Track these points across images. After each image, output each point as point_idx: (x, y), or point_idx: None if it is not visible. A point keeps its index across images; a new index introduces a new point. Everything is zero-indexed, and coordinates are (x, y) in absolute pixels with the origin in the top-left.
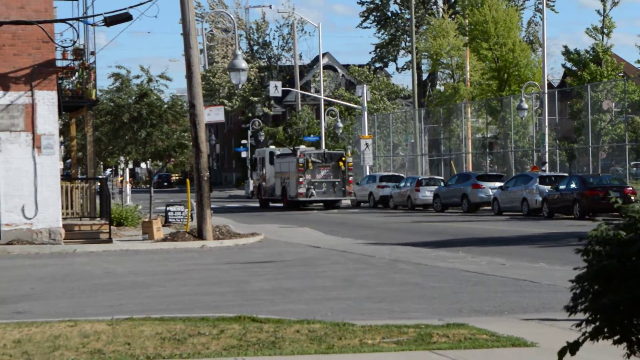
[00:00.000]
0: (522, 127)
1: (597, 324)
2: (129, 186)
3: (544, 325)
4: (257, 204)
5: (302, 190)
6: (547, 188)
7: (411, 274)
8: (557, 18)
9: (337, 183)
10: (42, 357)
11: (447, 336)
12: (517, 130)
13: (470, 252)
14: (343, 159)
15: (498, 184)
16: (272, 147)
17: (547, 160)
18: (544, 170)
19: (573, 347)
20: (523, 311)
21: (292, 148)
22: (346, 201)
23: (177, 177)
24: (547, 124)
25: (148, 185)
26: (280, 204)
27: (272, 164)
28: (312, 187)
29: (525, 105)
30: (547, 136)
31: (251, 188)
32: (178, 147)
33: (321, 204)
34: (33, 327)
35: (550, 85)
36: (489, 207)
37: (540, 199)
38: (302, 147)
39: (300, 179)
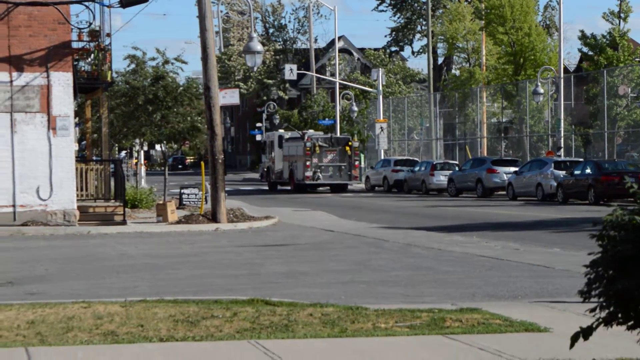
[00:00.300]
0: (538, 112)
1: (611, 309)
2: (143, 168)
3: (558, 310)
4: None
5: (309, 173)
6: (562, 173)
7: (425, 258)
8: (573, 2)
9: (343, 167)
10: (55, 338)
11: (460, 321)
12: (533, 115)
13: (484, 236)
14: (350, 143)
15: (513, 169)
16: (281, 130)
17: (562, 145)
18: (559, 156)
19: (586, 332)
20: (537, 296)
21: (300, 132)
22: (360, 185)
23: (192, 160)
24: (562, 108)
25: (163, 168)
26: (288, 187)
27: (280, 148)
28: (318, 170)
29: (541, 90)
30: (562, 121)
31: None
32: (192, 129)
33: (328, 187)
34: (47, 308)
35: (566, 70)
36: (504, 192)
37: (555, 184)
38: (311, 131)
39: (308, 163)
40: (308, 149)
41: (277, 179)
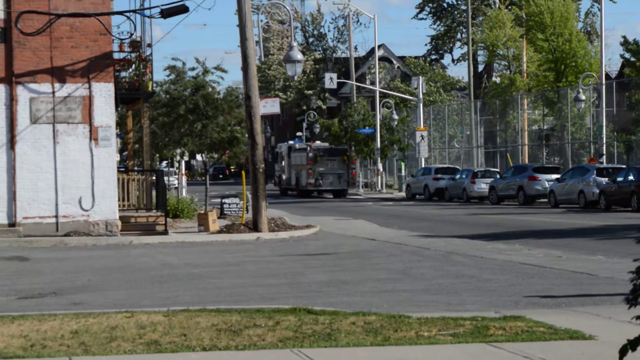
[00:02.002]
0: (579, 119)
1: None
2: (184, 178)
3: (602, 318)
4: (296, 194)
5: (311, 180)
6: (604, 180)
7: (467, 266)
8: (614, 8)
9: (341, 175)
10: (99, 347)
11: (504, 329)
12: (574, 122)
13: (526, 244)
14: (347, 153)
15: (554, 176)
16: (291, 142)
17: (604, 152)
18: (602, 162)
19: (634, 343)
20: (580, 304)
21: (306, 144)
22: (395, 194)
23: (234, 170)
24: (604, 115)
25: (203, 178)
26: (295, 192)
27: (289, 157)
28: (319, 178)
29: (583, 97)
30: (604, 128)
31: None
32: (232, 139)
33: (330, 193)
34: (90, 318)
35: (607, 77)
36: (546, 200)
37: (598, 191)
38: (317, 142)
39: (310, 171)
40: (310, 158)
41: (287, 186)
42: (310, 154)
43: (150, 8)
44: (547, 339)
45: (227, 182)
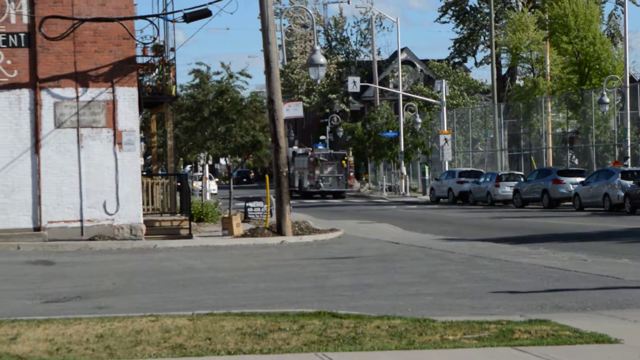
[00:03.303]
0: (604, 122)
1: None
2: (208, 182)
3: (628, 321)
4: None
5: (312, 183)
6: (629, 183)
7: (492, 270)
8: (638, 11)
9: (340, 177)
10: (124, 351)
11: (529, 332)
12: (599, 125)
13: (551, 248)
14: (345, 158)
15: (579, 179)
16: (295, 147)
17: (629, 155)
18: (626, 165)
19: None
20: (606, 307)
21: (308, 149)
22: (419, 198)
23: (259, 173)
24: (629, 118)
25: (227, 182)
26: (298, 194)
27: (293, 162)
28: (320, 180)
29: (607, 99)
30: (629, 130)
31: None
32: (255, 143)
33: (330, 194)
34: (115, 322)
35: (632, 79)
36: (570, 203)
37: (623, 194)
38: (319, 148)
39: (311, 174)
40: (311, 162)
41: (291, 188)
42: (311, 159)
43: (173, 12)
44: (573, 343)
45: (250, 186)
